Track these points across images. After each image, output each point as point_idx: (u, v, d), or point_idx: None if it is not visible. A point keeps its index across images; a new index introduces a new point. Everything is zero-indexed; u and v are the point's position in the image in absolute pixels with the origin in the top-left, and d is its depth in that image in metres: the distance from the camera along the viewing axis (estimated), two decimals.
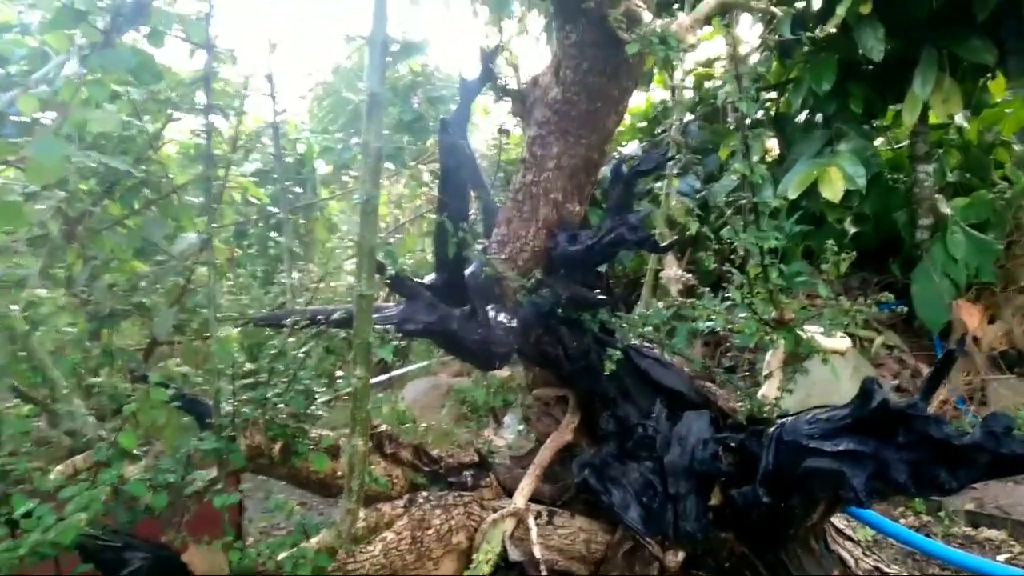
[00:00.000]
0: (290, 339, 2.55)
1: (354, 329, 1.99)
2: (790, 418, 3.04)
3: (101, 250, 4.83)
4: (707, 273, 6.43)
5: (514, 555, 3.20)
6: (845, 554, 3.06)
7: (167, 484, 2.21)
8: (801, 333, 3.33)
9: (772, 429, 3.05)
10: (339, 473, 3.21)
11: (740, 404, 3.57)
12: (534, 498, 3.48)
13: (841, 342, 3.54)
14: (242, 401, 2.61)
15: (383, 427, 3.53)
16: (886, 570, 3.01)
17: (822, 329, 3.44)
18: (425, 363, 9.06)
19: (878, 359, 7.40)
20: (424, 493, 3.35)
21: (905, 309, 3.78)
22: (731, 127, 5.65)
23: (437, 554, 3.21)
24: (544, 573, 3.09)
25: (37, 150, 2.19)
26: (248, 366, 2.66)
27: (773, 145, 8.67)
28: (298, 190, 9.84)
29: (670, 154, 3.34)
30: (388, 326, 2.33)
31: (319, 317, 2.83)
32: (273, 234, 9.24)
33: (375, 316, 2.34)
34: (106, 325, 4.33)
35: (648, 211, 3.17)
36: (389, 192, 11.01)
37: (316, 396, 2.88)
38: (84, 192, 4.65)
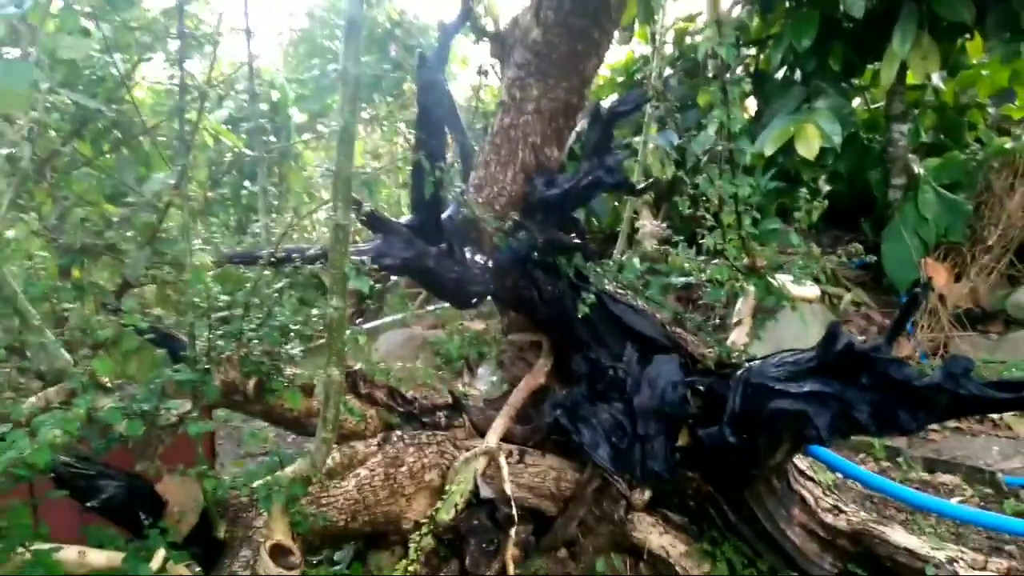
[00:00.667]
0: (265, 273, 2.54)
1: (329, 259, 1.99)
2: (757, 361, 3.11)
3: (71, 191, 4.77)
4: (682, 226, 6.49)
5: (485, 492, 3.26)
6: (806, 493, 3.15)
7: (141, 413, 2.21)
8: (772, 280, 3.39)
9: (740, 372, 3.12)
10: (313, 410, 3.24)
11: (710, 350, 3.63)
12: (506, 439, 3.54)
13: (810, 290, 3.60)
14: (217, 335, 2.61)
15: (358, 367, 3.55)
16: (844, 508, 3.12)
17: (792, 278, 3.50)
18: (400, 316, 9.07)
19: (846, 315, 7.52)
20: (398, 432, 3.39)
21: (874, 259, 3.85)
22: (711, 75, 5.65)
23: (410, 491, 3.26)
24: (514, 509, 3.16)
25: (3, 73, 2.14)
26: (223, 298, 2.65)
27: (750, 104, 8.68)
28: (272, 139, 9.70)
29: (650, 101, 3.31)
30: (364, 259, 2.33)
31: (294, 254, 2.83)
32: (247, 182, 9.13)
33: (351, 251, 2.35)
34: (76, 262, 4.28)
35: (625, 155, 3.17)
36: (366, 142, 10.89)
37: (291, 333, 2.89)
38: (54, 130, 4.57)
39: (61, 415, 1.94)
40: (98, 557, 2.14)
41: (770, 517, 3.10)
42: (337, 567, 3.29)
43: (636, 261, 4.18)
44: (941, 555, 2.80)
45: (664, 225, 7.37)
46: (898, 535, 2.93)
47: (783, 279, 3.54)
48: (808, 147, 6.99)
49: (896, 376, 2.60)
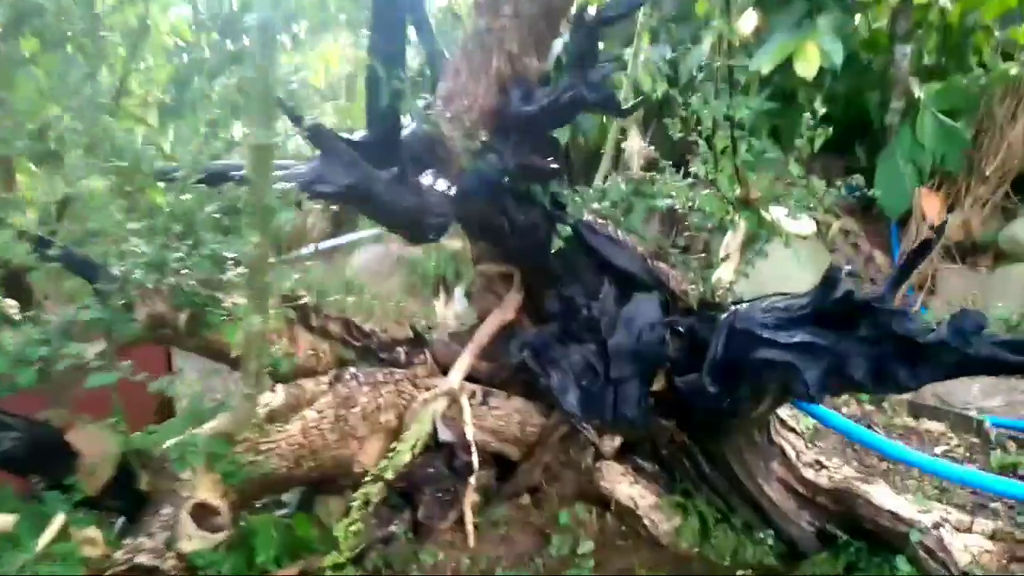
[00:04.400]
0: (185, 196, 2.20)
1: (249, 188, 1.66)
2: (744, 305, 2.84)
3: (11, 91, 4.32)
4: (671, 148, 6.12)
5: (445, 436, 3.03)
6: (787, 446, 2.95)
7: (39, 358, 1.91)
8: (765, 215, 3.10)
9: (724, 316, 2.85)
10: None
11: (693, 287, 3.36)
12: (470, 377, 3.29)
13: (806, 226, 3.32)
14: (136, 265, 2.28)
15: (306, 298, 3.24)
16: (826, 464, 2.92)
17: (786, 211, 3.21)
18: (376, 231, 8.72)
19: (834, 244, 7.29)
20: (352, 369, 3.12)
21: (876, 193, 3.57)
22: None
23: (362, 433, 3.02)
24: (475, 455, 2.94)
25: None
26: (133, 225, 2.31)
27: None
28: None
29: (643, 5, 2.93)
30: (294, 185, 2.00)
31: (231, 172, 2.48)
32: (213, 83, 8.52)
33: (281, 174, 2.01)
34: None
35: (611, 68, 2.80)
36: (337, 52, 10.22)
37: (227, 261, 2.56)
38: None
39: None
40: None
41: (747, 470, 2.90)
42: (283, 511, 3.07)
43: (621, 184, 3.83)
44: (927, 519, 2.61)
45: (651, 150, 7.00)
46: (882, 495, 2.73)
47: (777, 212, 3.24)
48: (808, 67, 6.58)
49: (898, 330, 2.35)
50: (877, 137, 7.34)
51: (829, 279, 2.49)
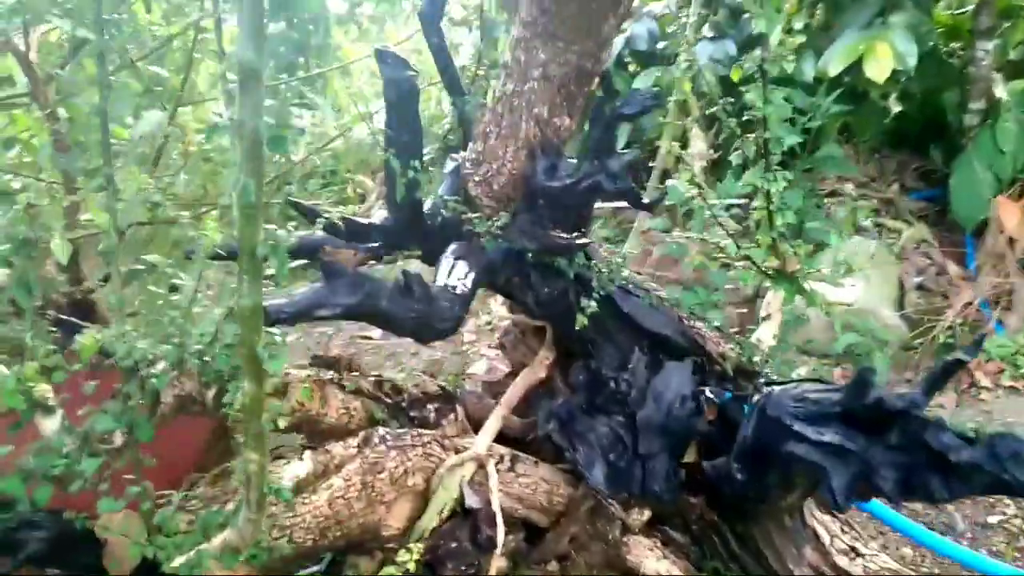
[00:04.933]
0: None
1: (240, 336, 1.67)
2: (777, 389, 2.74)
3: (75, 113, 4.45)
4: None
5: (471, 501, 3.05)
6: (821, 530, 2.85)
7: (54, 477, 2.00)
8: (805, 285, 2.97)
9: (757, 398, 2.77)
10: (285, 412, 3.02)
11: (730, 347, 3.27)
12: (502, 433, 3.30)
13: (850, 293, 3.17)
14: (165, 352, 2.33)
15: (339, 353, 3.29)
16: (863, 550, 2.82)
17: (828, 278, 3.07)
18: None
19: (905, 253, 6.97)
20: (381, 431, 3.15)
21: (951, 201, 3.37)
22: None
23: (390, 498, 3.06)
24: (500, 528, 2.94)
25: None
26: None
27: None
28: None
29: (660, 103, 2.81)
30: (283, 316, 2.00)
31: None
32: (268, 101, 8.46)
33: (272, 304, 2.02)
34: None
35: (632, 156, 2.70)
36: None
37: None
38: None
39: None
40: None
41: (778, 555, 2.82)
42: (315, 569, 3.15)
43: (680, 187, 3.64)
44: None
45: (712, 154, 6.80)
46: None
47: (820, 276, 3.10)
48: (878, 68, 6.23)
49: (931, 443, 2.23)
50: (954, 140, 6.95)
51: (860, 382, 2.37)
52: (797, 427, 2.52)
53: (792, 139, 3.08)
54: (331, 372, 3.28)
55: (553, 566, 3.16)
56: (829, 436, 2.41)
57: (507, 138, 3.05)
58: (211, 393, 2.69)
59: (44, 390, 2.38)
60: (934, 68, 6.88)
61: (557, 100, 3.03)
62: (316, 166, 8.97)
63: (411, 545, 2.88)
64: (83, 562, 2.22)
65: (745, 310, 5.80)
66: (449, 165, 3.07)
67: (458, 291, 2.44)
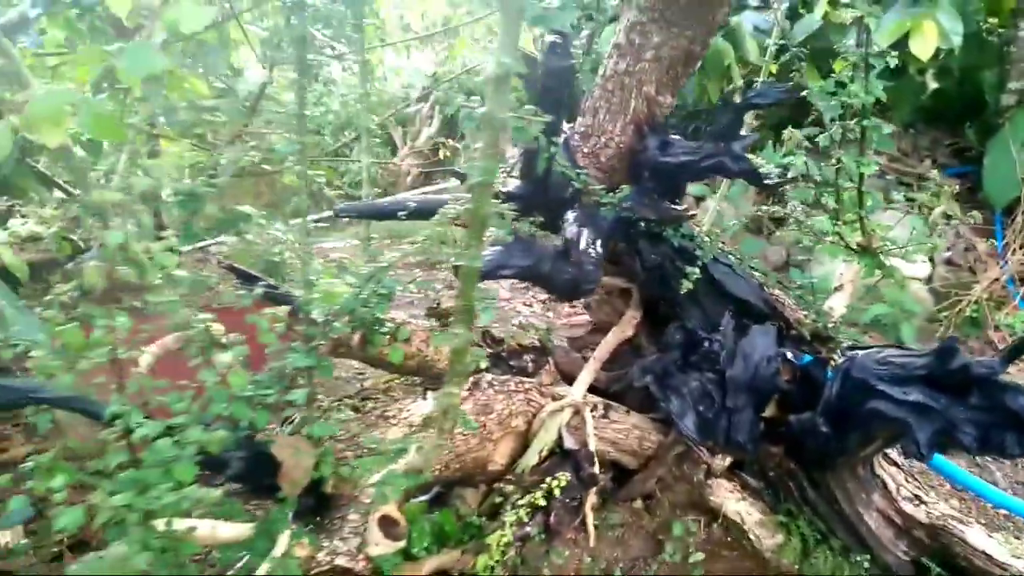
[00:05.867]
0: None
1: (458, 291, 1.96)
2: (861, 353, 3.05)
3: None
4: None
5: (569, 443, 3.38)
6: (889, 480, 3.19)
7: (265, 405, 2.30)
8: (885, 261, 3.26)
9: (841, 360, 3.08)
10: (409, 355, 3.34)
11: (805, 314, 3.58)
12: (591, 386, 3.61)
13: (921, 268, 3.46)
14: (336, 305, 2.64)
15: (449, 306, 3.59)
16: (925, 498, 3.16)
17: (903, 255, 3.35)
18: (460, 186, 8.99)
19: (934, 227, 7.23)
20: (488, 377, 3.47)
21: (984, 180, 3.64)
22: None
23: (496, 436, 3.38)
24: (596, 465, 3.27)
25: (131, 60, 2.06)
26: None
27: None
28: None
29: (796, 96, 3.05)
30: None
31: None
32: None
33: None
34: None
35: (755, 138, 2.96)
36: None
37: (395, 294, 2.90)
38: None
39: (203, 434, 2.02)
40: (227, 531, 2.30)
41: (849, 499, 3.16)
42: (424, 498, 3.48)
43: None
44: (1020, 565, 2.85)
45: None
46: (977, 537, 2.97)
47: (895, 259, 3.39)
48: (924, 46, 6.42)
49: (1011, 405, 2.55)
50: (990, 119, 7.16)
51: (947, 349, 2.68)
52: (882, 387, 2.84)
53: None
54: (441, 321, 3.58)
55: (638, 504, 3.51)
56: (914, 396, 2.73)
57: (616, 113, 3.32)
58: (356, 337, 2.99)
59: (218, 331, 2.67)
60: (974, 46, 7.05)
61: (665, 80, 3.29)
62: (351, 117, 9.22)
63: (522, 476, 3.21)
64: (267, 483, 2.53)
65: None
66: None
67: (593, 256, 2.72)
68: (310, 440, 2.65)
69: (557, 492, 3.18)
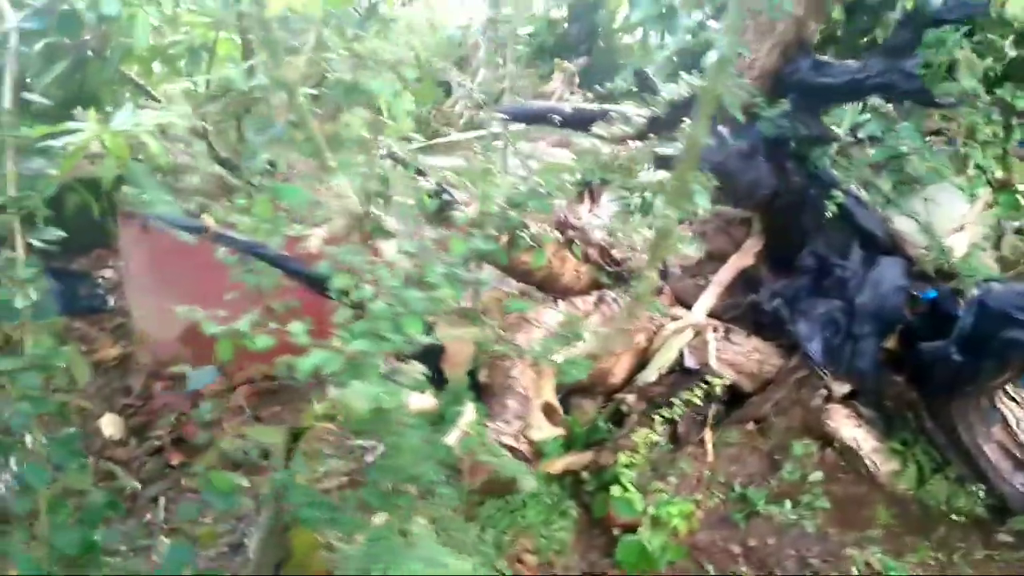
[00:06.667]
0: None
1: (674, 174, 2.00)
2: (999, 285, 3.09)
3: None
4: None
5: (690, 362, 3.45)
6: (1008, 413, 3.25)
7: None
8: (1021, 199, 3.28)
9: (976, 291, 3.12)
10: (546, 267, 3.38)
11: (925, 251, 3.60)
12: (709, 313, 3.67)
13: None
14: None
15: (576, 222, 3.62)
16: None
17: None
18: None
19: None
20: (611, 294, 3.53)
21: None
22: None
23: (618, 351, 3.44)
24: (720, 387, 3.33)
25: None
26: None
27: None
28: None
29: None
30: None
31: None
32: None
33: None
34: None
35: (922, 58, 2.97)
36: None
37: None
38: None
39: None
40: (423, 401, 2.38)
41: (969, 429, 3.22)
42: None
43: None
44: None
45: None
46: None
47: None
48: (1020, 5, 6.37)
49: None
50: None
51: None
52: (1021, 316, 2.89)
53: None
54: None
55: (751, 427, 3.58)
56: None
57: (763, 34, 3.32)
58: (504, 239, 3.03)
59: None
60: None
61: (813, 3, 3.28)
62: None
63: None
64: (435, 364, 2.60)
65: None
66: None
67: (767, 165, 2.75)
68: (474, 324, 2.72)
69: (684, 407, 3.25)
